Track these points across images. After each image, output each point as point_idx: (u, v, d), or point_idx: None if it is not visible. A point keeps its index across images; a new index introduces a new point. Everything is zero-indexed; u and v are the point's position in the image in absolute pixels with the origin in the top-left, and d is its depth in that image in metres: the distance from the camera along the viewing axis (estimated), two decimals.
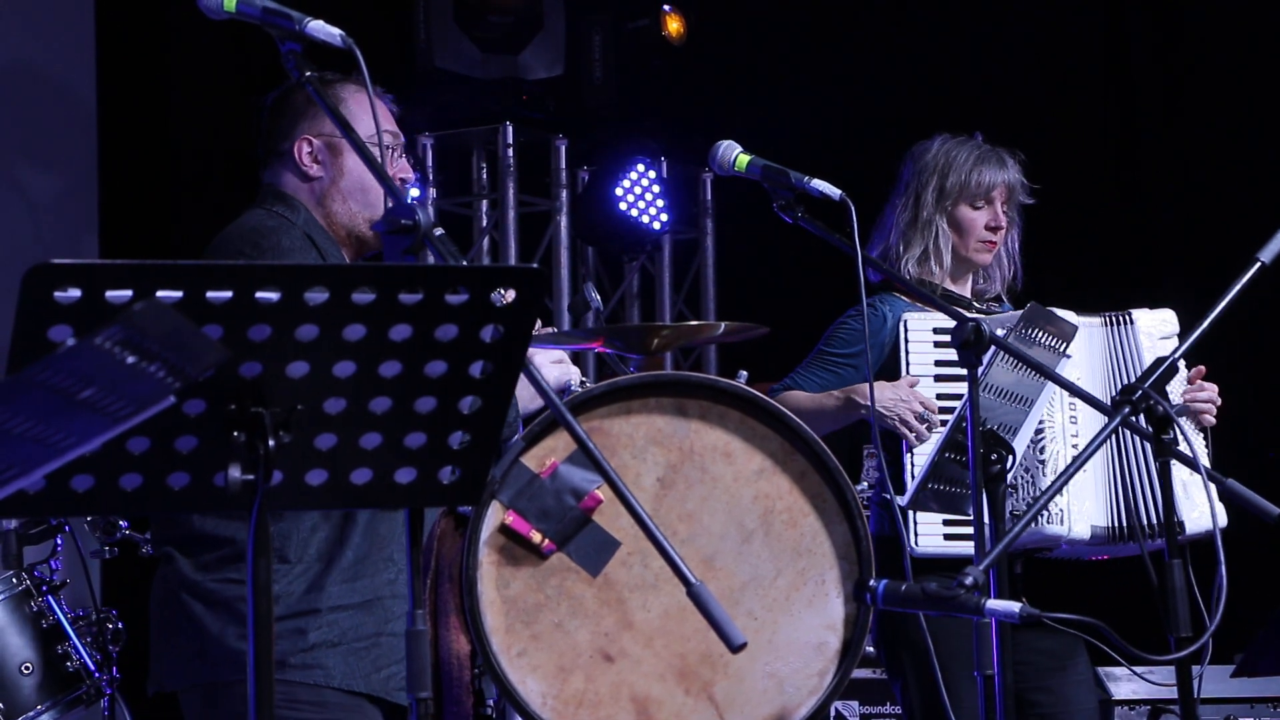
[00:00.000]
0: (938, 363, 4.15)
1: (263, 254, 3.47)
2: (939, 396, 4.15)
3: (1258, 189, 6.80)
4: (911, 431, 4.10)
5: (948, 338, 4.08)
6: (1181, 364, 4.24)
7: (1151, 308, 4.32)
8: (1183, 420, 4.22)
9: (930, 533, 4.11)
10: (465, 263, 2.78)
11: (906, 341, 4.14)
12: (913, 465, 4.10)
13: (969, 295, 4.40)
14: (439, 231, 2.80)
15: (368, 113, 3.41)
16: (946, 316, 4.11)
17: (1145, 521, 4.09)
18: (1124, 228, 7.14)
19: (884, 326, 4.28)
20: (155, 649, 3.48)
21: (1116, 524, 4.15)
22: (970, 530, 3.94)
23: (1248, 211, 6.63)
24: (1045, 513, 4.05)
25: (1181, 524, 4.04)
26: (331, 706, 3.38)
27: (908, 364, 4.15)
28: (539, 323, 3.50)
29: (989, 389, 3.61)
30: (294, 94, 3.62)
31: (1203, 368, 4.28)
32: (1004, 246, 4.40)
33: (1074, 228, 6.86)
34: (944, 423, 4.08)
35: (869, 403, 4.06)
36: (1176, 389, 4.24)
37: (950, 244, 4.33)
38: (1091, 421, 4.10)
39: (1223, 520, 3.96)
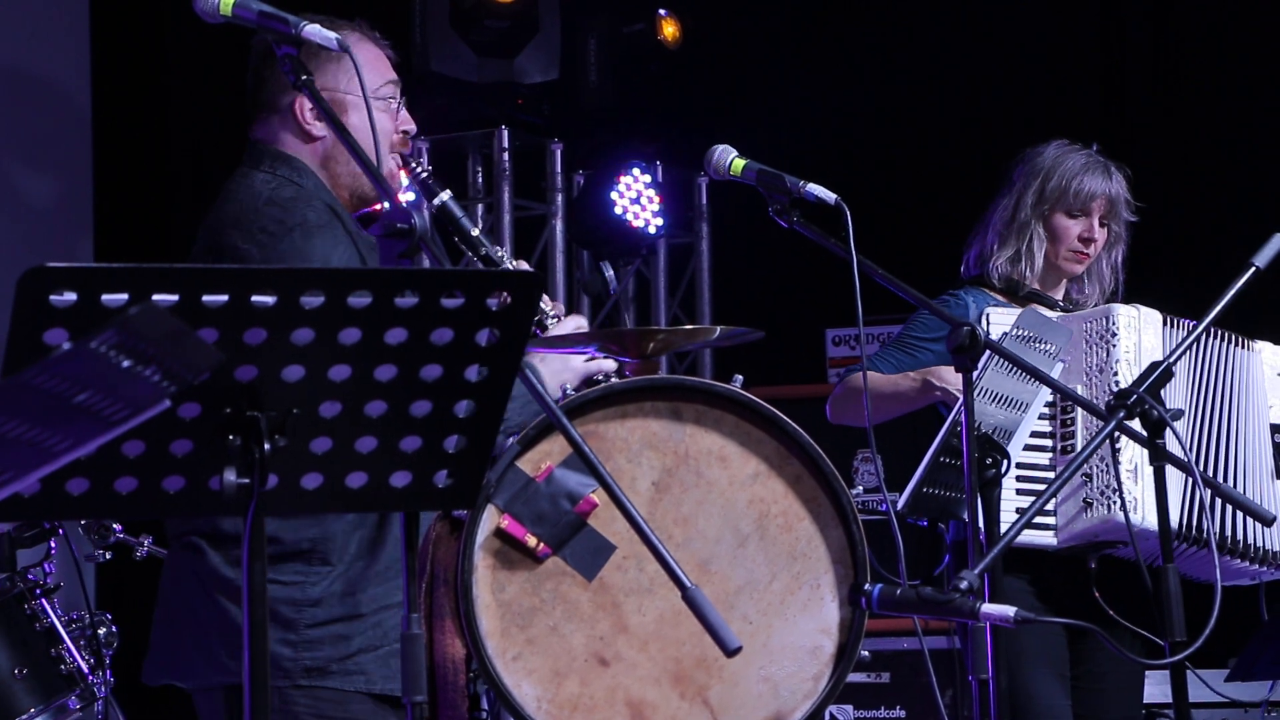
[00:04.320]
0: None
1: (290, 231, 3.28)
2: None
3: (1252, 194, 6.80)
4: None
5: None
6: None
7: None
8: None
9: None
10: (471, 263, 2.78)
11: (987, 334, 4.13)
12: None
13: (1059, 298, 4.39)
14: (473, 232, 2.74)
15: (372, 64, 3.37)
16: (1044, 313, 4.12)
17: (1207, 533, 4.05)
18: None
19: (965, 315, 4.27)
20: (167, 641, 3.36)
21: (1185, 525, 4.11)
22: (1046, 520, 3.95)
23: (1242, 216, 6.64)
24: (1119, 500, 4.00)
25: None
26: (361, 712, 3.29)
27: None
28: (567, 319, 3.47)
29: (984, 393, 3.62)
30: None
31: None
32: (1106, 260, 4.39)
33: None
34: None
35: (945, 385, 4.07)
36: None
37: (1044, 249, 4.33)
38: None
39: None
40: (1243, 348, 4.23)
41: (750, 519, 3.38)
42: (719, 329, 3.86)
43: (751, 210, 3.87)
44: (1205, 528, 4.00)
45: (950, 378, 4.13)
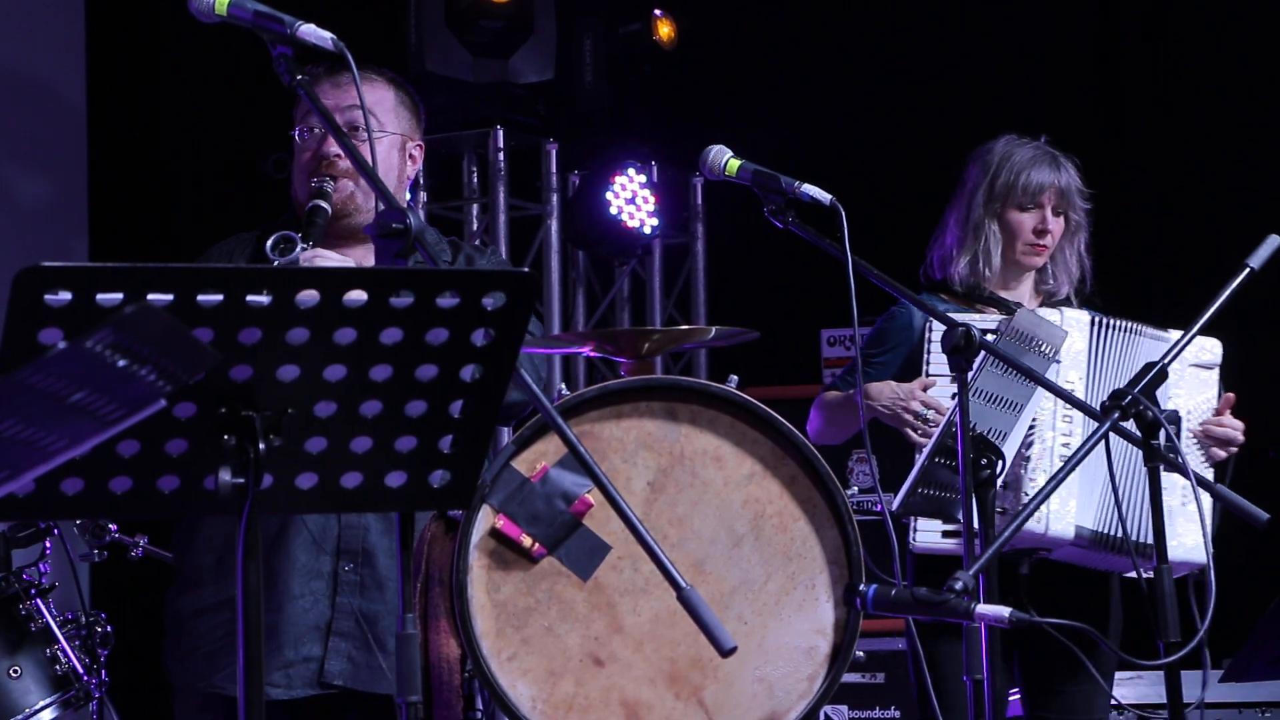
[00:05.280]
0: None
1: None
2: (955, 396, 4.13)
3: (1247, 195, 6.81)
4: (913, 430, 4.09)
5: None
6: (1215, 390, 4.23)
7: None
8: (1196, 450, 4.21)
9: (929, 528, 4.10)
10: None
11: (929, 343, 4.13)
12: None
13: (1026, 299, 4.38)
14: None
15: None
16: (976, 318, 4.11)
17: (1136, 540, 4.06)
18: (1113, 233, 7.15)
19: (910, 325, 4.28)
20: None
21: (1107, 531, 4.13)
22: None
23: (1237, 216, 6.65)
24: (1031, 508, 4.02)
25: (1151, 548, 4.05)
26: None
27: (928, 364, 4.14)
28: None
29: (979, 394, 3.62)
30: None
31: (1232, 395, 4.24)
32: (1070, 249, 4.39)
33: None
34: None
35: (871, 402, 4.07)
36: (1198, 415, 4.20)
37: (1000, 247, 4.33)
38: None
39: (1202, 558, 3.94)
40: (1148, 338, 4.21)
41: (745, 519, 3.38)
42: (714, 329, 3.86)
43: (747, 211, 3.87)
44: (1125, 530, 4.03)
45: (873, 392, 4.12)
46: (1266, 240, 3.55)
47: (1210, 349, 4.21)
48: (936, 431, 3.71)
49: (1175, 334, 4.17)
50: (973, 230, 4.34)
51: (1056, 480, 3.34)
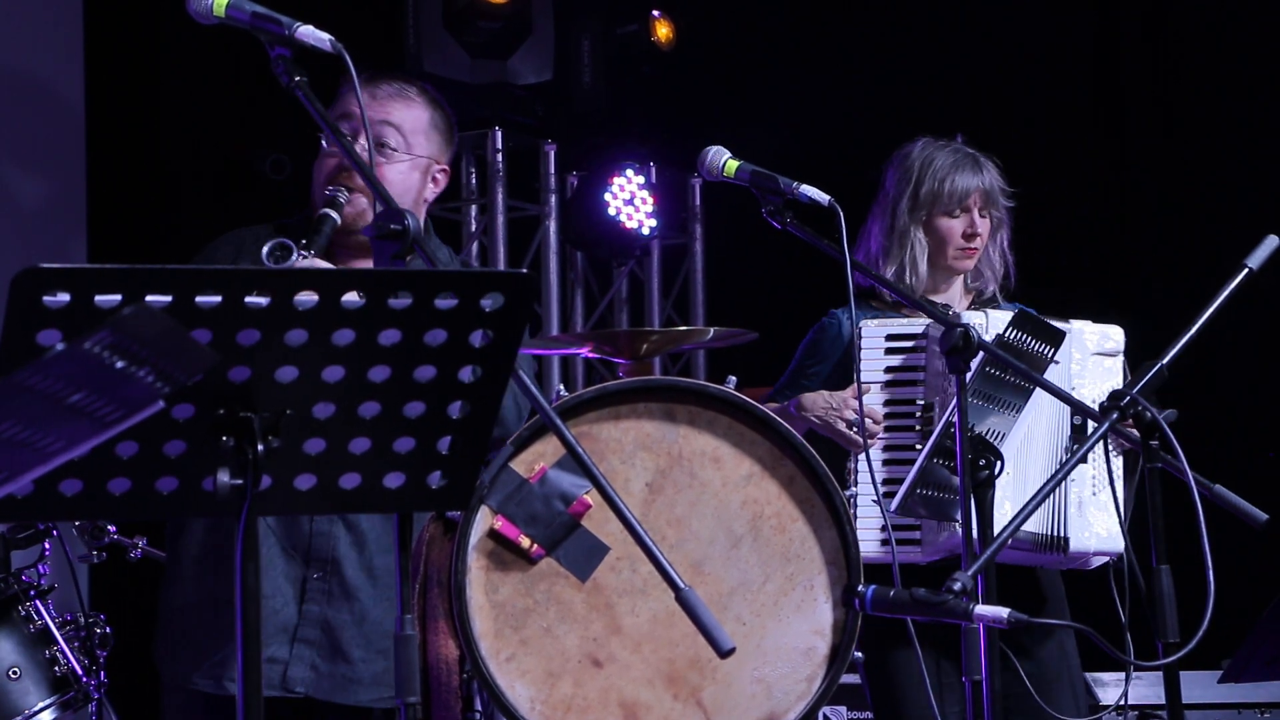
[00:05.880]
0: (888, 369, 4.11)
1: None
2: (889, 403, 4.10)
3: (1246, 195, 6.81)
4: (844, 439, 4.07)
5: (901, 344, 4.08)
6: (1120, 378, 4.21)
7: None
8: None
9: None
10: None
11: (859, 349, 4.11)
12: (856, 472, 4.06)
13: (955, 301, 4.38)
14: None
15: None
16: (905, 323, 4.11)
17: (1058, 534, 4.07)
18: (1111, 234, 7.16)
19: (840, 335, 4.28)
20: None
21: (1051, 529, 4.12)
22: (912, 534, 3.94)
23: (1236, 217, 6.65)
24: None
25: (1066, 540, 4.05)
26: None
27: (859, 371, 4.09)
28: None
29: (976, 395, 3.61)
30: None
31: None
32: (993, 246, 4.38)
33: (1061, 234, 6.86)
34: (889, 429, 4.06)
35: (805, 413, 4.06)
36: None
37: (926, 254, 4.31)
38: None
39: (1119, 546, 3.95)
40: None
41: (744, 520, 3.38)
42: (712, 330, 3.88)
43: (745, 211, 3.87)
44: (1065, 532, 4.04)
45: (806, 403, 4.11)
46: (1265, 241, 3.55)
47: (1113, 336, 4.20)
48: (934, 434, 3.71)
49: (1077, 324, 4.16)
50: (898, 239, 4.32)
51: (1054, 481, 3.34)
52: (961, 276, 4.39)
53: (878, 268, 4.32)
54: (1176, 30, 7.19)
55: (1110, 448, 3.90)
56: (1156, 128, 7.16)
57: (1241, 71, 7.03)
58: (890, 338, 4.11)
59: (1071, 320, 4.14)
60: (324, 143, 3.65)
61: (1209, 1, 7.16)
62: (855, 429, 4.00)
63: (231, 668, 3.43)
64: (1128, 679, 4.25)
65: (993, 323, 4.04)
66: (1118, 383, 4.18)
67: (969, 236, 4.31)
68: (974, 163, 4.35)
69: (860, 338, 4.08)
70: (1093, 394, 4.12)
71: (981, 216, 4.33)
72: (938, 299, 4.33)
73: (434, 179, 3.73)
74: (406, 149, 3.65)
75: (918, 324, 4.07)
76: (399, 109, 3.65)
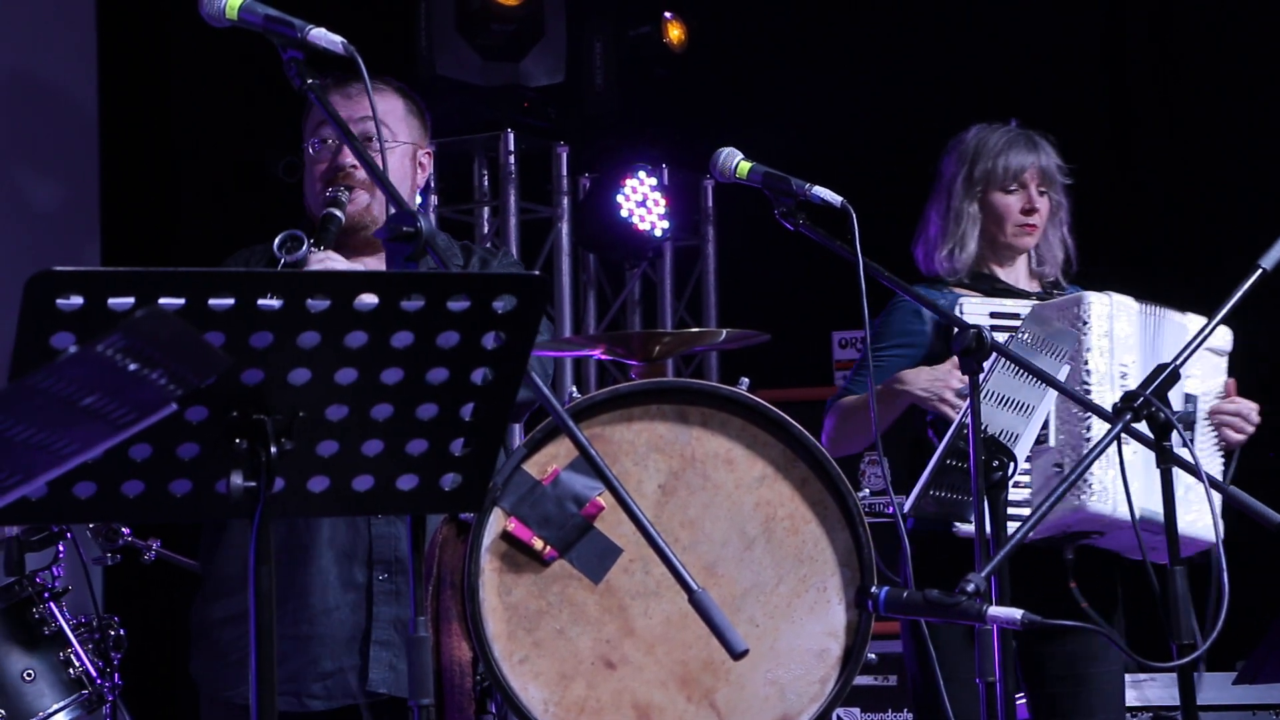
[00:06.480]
0: None
1: None
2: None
3: (1252, 194, 6.80)
4: (954, 409, 4.07)
5: (1005, 321, 4.09)
6: (1221, 376, 4.23)
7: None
8: (1210, 433, 4.21)
9: None
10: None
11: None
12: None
13: (1020, 282, 4.37)
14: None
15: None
16: (1009, 303, 4.12)
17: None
18: (1117, 233, 7.15)
19: (920, 313, 4.25)
20: None
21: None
22: (1020, 511, 3.93)
23: (1243, 215, 6.64)
24: (1089, 488, 4.00)
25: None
26: None
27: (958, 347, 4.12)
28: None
29: (990, 396, 3.61)
30: None
31: (1233, 380, 4.25)
32: (1054, 232, 4.39)
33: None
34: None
35: (906, 388, 4.06)
36: (1209, 400, 4.21)
37: (977, 231, 4.32)
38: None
39: (1213, 535, 3.94)
40: (1171, 321, 4.21)
41: (757, 522, 3.38)
42: (725, 331, 3.86)
43: (757, 213, 3.87)
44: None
45: (908, 378, 4.12)
46: (1279, 242, 3.54)
47: (1224, 336, 4.24)
48: (948, 434, 3.70)
49: (1192, 317, 4.18)
50: (954, 218, 4.34)
51: (1069, 480, 3.33)
52: (1025, 257, 4.38)
53: (935, 252, 4.34)
54: (1182, 31, 7.19)
55: (1215, 444, 3.97)
56: (1162, 128, 7.15)
57: (1246, 72, 7.02)
58: (993, 315, 4.13)
59: (1189, 313, 4.19)
60: (310, 150, 3.71)
61: (1214, 2, 7.16)
62: (963, 398, 4.03)
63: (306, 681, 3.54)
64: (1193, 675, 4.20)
65: (1117, 305, 4.07)
66: (1223, 381, 4.22)
67: (1027, 212, 4.32)
68: (1029, 141, 4.37)
69: (962, 313, 4.08)
70: (1202, 388, 4.21)
71: (1040, 194, 4.34)
72: (1002, 275, 4.34)
73: (420, 164, 3.83)
74: (392, 138, 3.72)
75: (1018, 305, 4.08)
76: (375, 101, 3.68)
